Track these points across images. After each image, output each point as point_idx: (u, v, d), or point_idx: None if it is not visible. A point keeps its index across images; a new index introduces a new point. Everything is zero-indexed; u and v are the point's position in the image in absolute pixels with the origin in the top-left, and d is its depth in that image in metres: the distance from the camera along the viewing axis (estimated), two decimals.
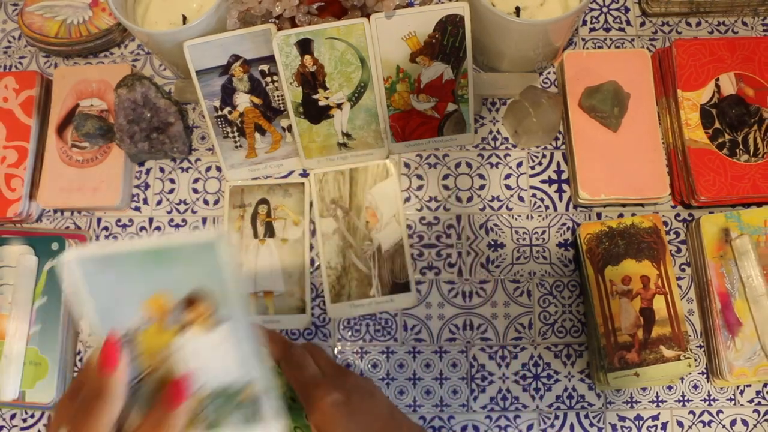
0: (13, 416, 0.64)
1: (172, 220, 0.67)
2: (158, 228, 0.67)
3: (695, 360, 0.61)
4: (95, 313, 0.32)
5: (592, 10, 0.71)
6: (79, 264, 0.31)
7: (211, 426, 0.36)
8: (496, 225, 0.65)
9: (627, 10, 0.71)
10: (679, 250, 0.65)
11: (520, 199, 0.66)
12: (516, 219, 0.65)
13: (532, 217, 0.65)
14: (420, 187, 0.67)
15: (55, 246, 0.64)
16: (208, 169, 0.69)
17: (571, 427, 0.61)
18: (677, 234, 0.65)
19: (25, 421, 0.64)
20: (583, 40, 0.70)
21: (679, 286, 0.63)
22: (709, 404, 0.61)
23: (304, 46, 0.60)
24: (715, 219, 0.61)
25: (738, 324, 0.59)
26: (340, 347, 0.64)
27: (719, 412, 0.61)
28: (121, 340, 0.32)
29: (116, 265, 0.32)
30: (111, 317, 0.32)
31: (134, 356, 0.33)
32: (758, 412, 0.61)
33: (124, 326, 0.33)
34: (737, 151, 0.62)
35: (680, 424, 0.61)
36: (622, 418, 0.61)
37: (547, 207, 0.66)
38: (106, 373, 0.32)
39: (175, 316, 0.33)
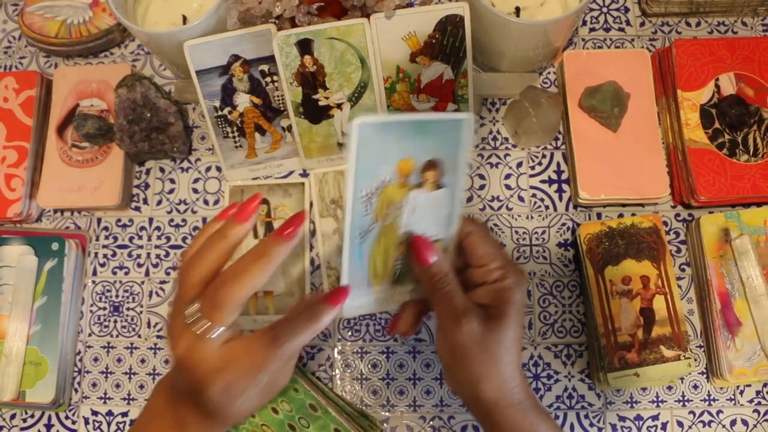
0: (13, 416, 0.64)
1: (172, 220, 0.67)
2: (158, 228, 0.67)
3: (695, 360, 0.61)
4: (365, 165, 0.39)
5: (591, 10, 0.71)
6: (365, 127, 0.38)
7: (399, 276, 0.44)
8: (496, 225, 0.65)
9: (627, 10, 0.71)
10: (679, 250, 0.65)
11: (520, 199, 0.66)
12: (516, 219, 0.65)
13: (532, 217, 0.65)
14: None
15: (55, 246, 0.64)
16: (208, 169, 0.69)
17: (571, 427, 0.61)
18: (677, 234, 0.65)
19: (24, 421, 0.64)
20: (583, 40, 0.70)
21: (679, 286, 0.63)
22: (709, 404, 0.61)
23: (304, 46, 0.60)
24: (715, 219, 0.61)
25: (738, 324, 0.59)
26: (340, 347, 0.64)
27: (719, 412, 0.61)
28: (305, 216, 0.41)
29: (388, 131, 0.39)
30: (374, 170, 0.40)
31: (372, 210, 0.41)
32: (758, 412, 0.61)
33: (379, 180, 0.40)
34: (737, 151, 0.62)
35: (680, 424, 0.61)
36: (622, 418, 0.61)
37: (547, 207, 0.66)
38: (286, 238, 0.39)
39: (413, 176, 0.41)
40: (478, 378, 0.41)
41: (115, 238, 0.68)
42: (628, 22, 0.71)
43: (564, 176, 0.67)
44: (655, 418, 0.61)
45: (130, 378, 0.64)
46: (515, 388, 0.42)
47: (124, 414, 0.63)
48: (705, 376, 0.62)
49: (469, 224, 0.44)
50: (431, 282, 0.42)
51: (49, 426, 0.64)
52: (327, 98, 0.63)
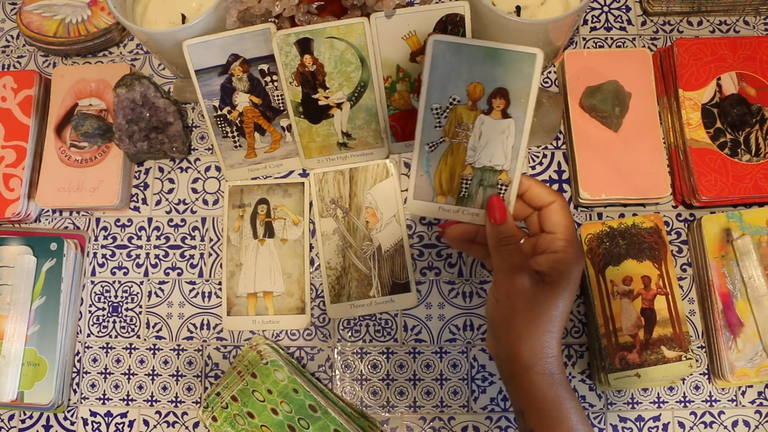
0: (11, 417, 0.64)
1: (171, 220, 0.67)
2: (157, 228, 0.67)
3: (696, 361, 0.61)
4: (437, 80, 0.45)
5: (593, 9, 0.71)
6: (440, 44, 0.44)
7: (463, 197, 0.47)
8: None
9: (628, 9, 0.71)
10: (680, 251, 0.64)
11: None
12: None
13: None
14: None
15: (53, 246, 0.63)
16: (208, 168, 0.68)
17: None
18: (678, 234, 0.65)
19: (23, 422, 0.64)
20: (584, 39, 0.70)
21: (681, 287, 0.62)
22: (711, 405, 0.61)
23: (304, 46, 0.60)
24: (717, 219, 0.61)
25: (740, 324, 0.59)
26: (339, 348, 0.63)
27: (721, 413, 0.61)
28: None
29: (461, 52, 0.44)
30: (445, 86, 0.45)
31: (442, 124, 0.46)
32: (760, 413, 0.61)
33: (451, 96, 0.45)
34: (739, 150, 0.62)
35: (681, 425, 0.60)
36: (623, 419, 0.61)
37: None
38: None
39: (482, 102, 0.45)
40: (518, 336, 0.43)
41: (114, 238, 0.67)
42: (629, 21, 0.70)
43: (565, 176, 0.66)
44: (656, 419, 0.61)
45: (129, 379, 0.64)
46: (550, 359, 0.43)
47: (123, 415, 0.63)
48: (706, 376, 0.61)
49: (553, 194, 0.46)
50: (497, 238, 0.45)
51: (47, 427, 0.63)
52: (327, 98, 0.63)
